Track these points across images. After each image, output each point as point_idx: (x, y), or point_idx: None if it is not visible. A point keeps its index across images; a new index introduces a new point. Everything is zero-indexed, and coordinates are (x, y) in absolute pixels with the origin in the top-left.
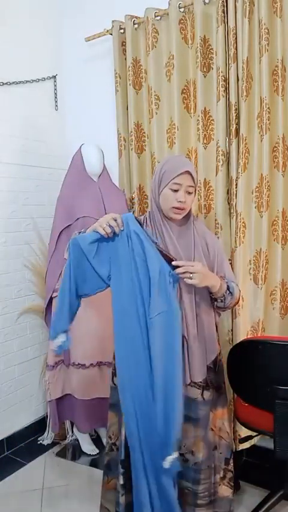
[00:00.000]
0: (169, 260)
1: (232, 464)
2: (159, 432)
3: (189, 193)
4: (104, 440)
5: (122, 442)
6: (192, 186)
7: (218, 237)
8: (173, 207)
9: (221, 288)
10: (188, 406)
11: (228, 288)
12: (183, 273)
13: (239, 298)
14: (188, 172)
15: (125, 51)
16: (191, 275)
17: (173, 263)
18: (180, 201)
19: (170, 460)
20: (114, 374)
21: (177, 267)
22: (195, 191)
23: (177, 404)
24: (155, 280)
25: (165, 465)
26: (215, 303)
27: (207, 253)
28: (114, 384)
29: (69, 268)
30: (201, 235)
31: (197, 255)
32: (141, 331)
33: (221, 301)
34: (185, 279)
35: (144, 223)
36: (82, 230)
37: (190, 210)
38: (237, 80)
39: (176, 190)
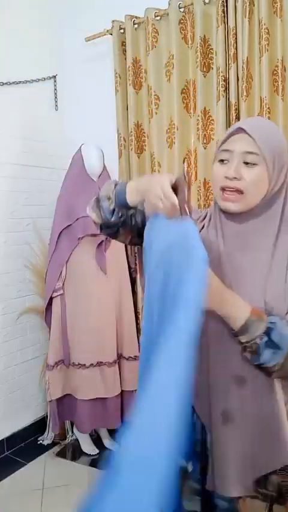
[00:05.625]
0: None
1: None
2: None
3: (248, 163)
4: (105, 441)
5: None
6: (255, 153)
7: None
8: (221, 188)
9: (241, 322)
10: None
11: (268, 332)
12: None
13: None
14: (242, 130)
15: (125, 51)
16: None
17: None
18: (227, 177)
19: None
20: None
21: None
22: (271, 166)
23: None
24: None
25: None
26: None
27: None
28: None
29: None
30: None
31: (272, 285)
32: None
33: (250, 351)
34: None
35: (204, 222)
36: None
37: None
38: (237, 80)
39: (223, 161)
